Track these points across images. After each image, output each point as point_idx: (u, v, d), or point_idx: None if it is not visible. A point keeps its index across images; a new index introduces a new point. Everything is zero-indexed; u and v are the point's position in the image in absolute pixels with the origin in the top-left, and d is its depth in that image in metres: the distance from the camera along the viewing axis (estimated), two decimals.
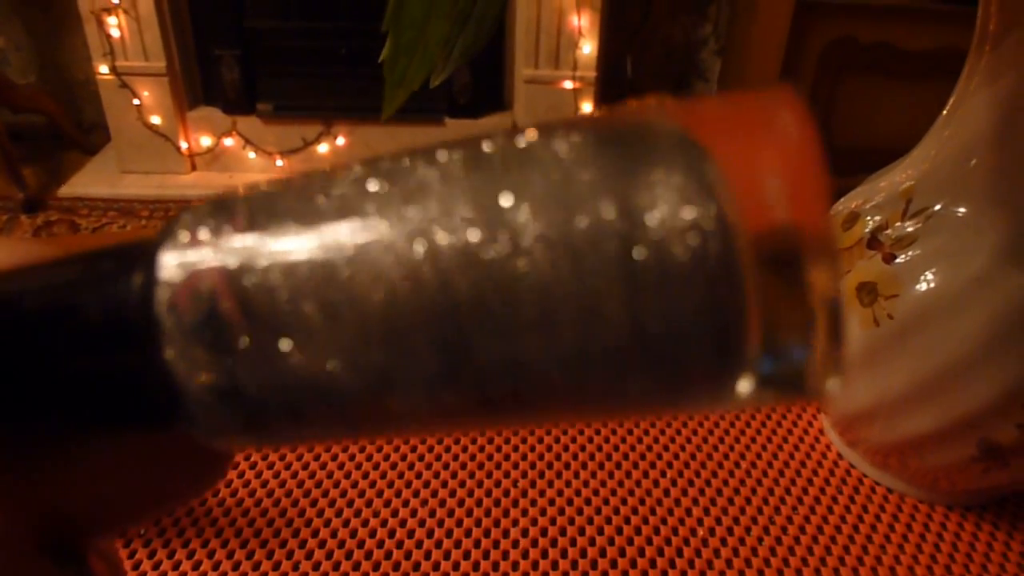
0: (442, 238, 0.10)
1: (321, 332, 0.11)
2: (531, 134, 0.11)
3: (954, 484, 0.44)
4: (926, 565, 0.42)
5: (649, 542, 0.43)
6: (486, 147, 0.11)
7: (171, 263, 0.11)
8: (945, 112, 0.40)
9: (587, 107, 2.12)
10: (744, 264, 0.10)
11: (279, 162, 2.27)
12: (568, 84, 2.08)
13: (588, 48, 2.04)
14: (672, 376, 0.10)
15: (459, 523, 0.43)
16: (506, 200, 0.10)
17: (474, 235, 0.10)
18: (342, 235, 0.11)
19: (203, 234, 0.11)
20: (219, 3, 2.13)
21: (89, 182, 2.19)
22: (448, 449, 0.48)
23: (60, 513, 0.13)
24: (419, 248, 0.10)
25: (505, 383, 0.11)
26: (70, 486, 0.13)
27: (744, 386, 0.10)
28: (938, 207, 0.39)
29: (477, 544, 0.42)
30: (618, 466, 0.47)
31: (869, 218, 0.42)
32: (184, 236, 0.11)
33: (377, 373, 0.11)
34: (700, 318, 0.10)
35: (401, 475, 0.46)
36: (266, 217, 0.11)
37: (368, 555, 0.41)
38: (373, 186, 0.11)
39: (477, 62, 2.14)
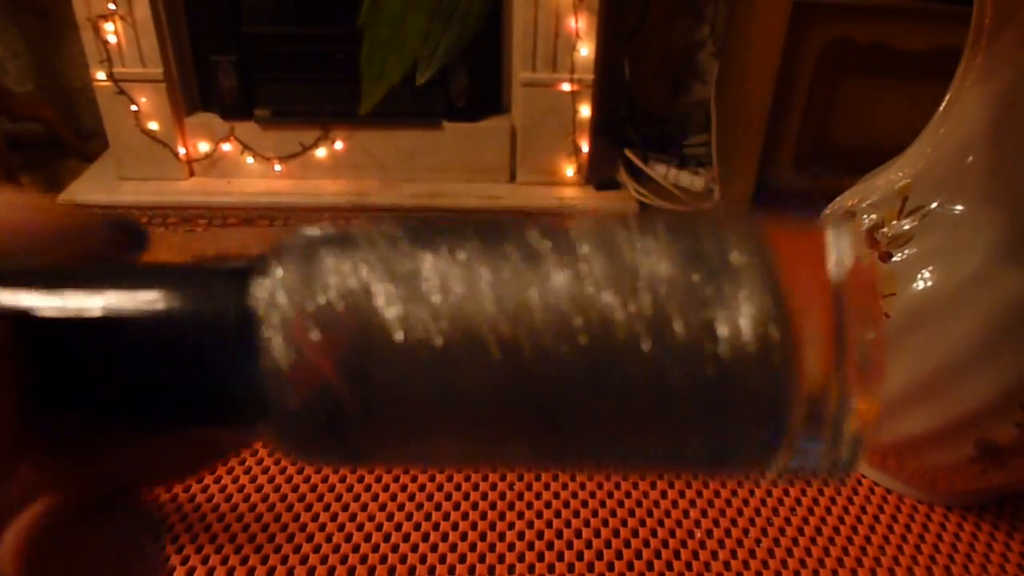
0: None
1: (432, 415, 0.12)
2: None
3: (953, 484, 0.44)
4: (925, 566, 0.42)
5: (647, 544, 0.42)
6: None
7: (277, 335, 0.12)
8: (940, 110, 0.39)
9: (585, 110, 2.12)
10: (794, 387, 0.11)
11: (277, 167, 2.27)
12: (566, 87, 2.08)
13: (586, 51, 2.04)
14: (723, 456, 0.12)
15: (436, 527, 0.43)
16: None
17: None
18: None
19: (317, 297, 0.12)
20: (216, 9, 2.13)
21: (87, 189, 2.19)
22: None
23: (112, 478, 0.14)
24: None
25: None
26: (130, 459, 0.14)
27: (775, 468, 0.12)
28: (934, 205, 0.39)
29: (453, 548, 0.42)
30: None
31: (865, 216, 0.41)
32: (293, 273, 0.12)
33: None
34: (761, 423, 0.11)
35: (396, 478, 0.45)
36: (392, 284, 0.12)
37: (363, 559, 0.41)
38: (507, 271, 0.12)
39: (474, 65, 2.14)
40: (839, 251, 0.12)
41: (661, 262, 0.12)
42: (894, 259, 0.39)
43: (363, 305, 0.11)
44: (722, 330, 0.11)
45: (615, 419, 0.12)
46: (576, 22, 1.98)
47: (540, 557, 0.41)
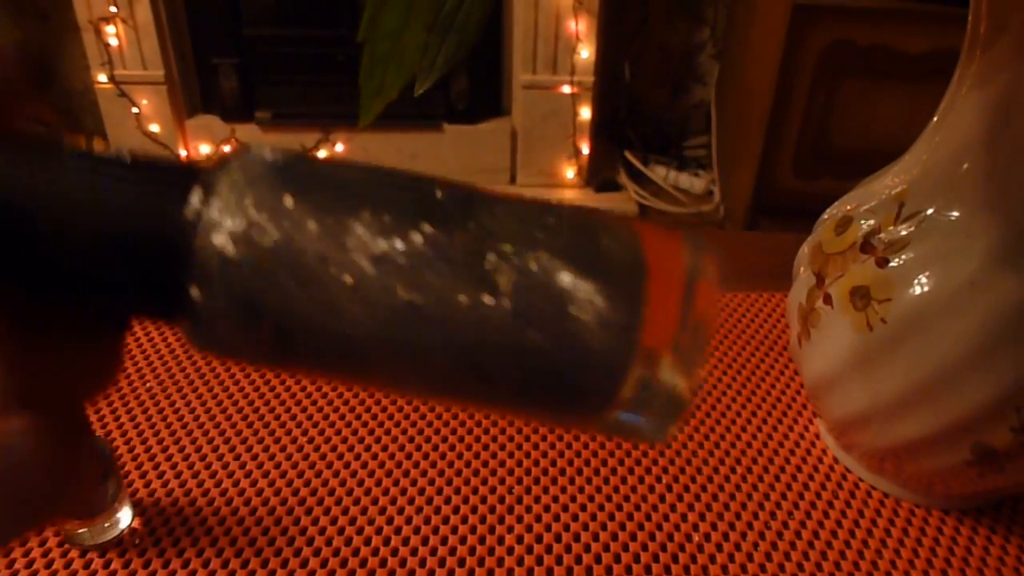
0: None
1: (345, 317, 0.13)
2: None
3: (949, 488, 0.44)
4: (922, 570, 0.42)
5: (644, 548, 0.42)
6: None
7: (221, 227, 0.13)
8: (936, 117, 0.40)
9: (585, 112, 2.12)
10: (635, 358, 0.13)
11: None
12: (566, 89, 2.09)
13: (586, 53, 2.04)
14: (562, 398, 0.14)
15: (435, 530, 0.43)
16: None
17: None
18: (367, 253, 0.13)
19: (258, 201, 0.13)
20: (217, 11, 2.14)
21: None
22: (427, 456, 0.47)
23: (52, 377, 0.15)
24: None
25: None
26: (67, 356, 0.15)
27: (609, 419, 0.14)
28: (930, 211, 0.39)
29: (453, 551, 0.42)
30: (613, 471, 0.47)
31: (863, 222, 0.42)
32: (234, 197, 0.13)
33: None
34: (603, 376, 0.13)
35: (396, 482, 0.46)
36: (313, 205, 0.13)
37: (344, 563, 0.41)
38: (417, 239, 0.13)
39: (474, 68, 2.15)
40: (696, 259, 0.14)
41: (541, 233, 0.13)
42: (891, 264, 0.39)
43: (289, 234, 0.13)
44: (581, 298, 0.13)
45: (466, 365, 0.13)
46: (576, 24, 1.99)
47: (539, 561, 0.42)
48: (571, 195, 2.20)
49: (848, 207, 0.44)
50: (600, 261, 0.13)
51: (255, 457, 0.47)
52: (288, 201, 0.13)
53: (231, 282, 0.13)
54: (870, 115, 1.84)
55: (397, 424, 0.50)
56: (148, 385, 0.52)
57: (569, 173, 2.21)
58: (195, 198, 0.13)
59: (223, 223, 0.13)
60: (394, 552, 0.42)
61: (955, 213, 0.38)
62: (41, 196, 0.13)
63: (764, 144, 1.94)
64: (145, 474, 0.46)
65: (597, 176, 2.23)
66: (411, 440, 0.49)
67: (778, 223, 1.99)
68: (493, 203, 0.14)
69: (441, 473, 0.46)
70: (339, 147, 2.23)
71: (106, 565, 0.41)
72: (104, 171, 0.14)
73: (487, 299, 0.13)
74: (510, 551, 0.42)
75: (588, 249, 0.13)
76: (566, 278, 0.13)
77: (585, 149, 2.17)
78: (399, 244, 0.13)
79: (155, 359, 0.55)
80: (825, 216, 0.46)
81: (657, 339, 0.13)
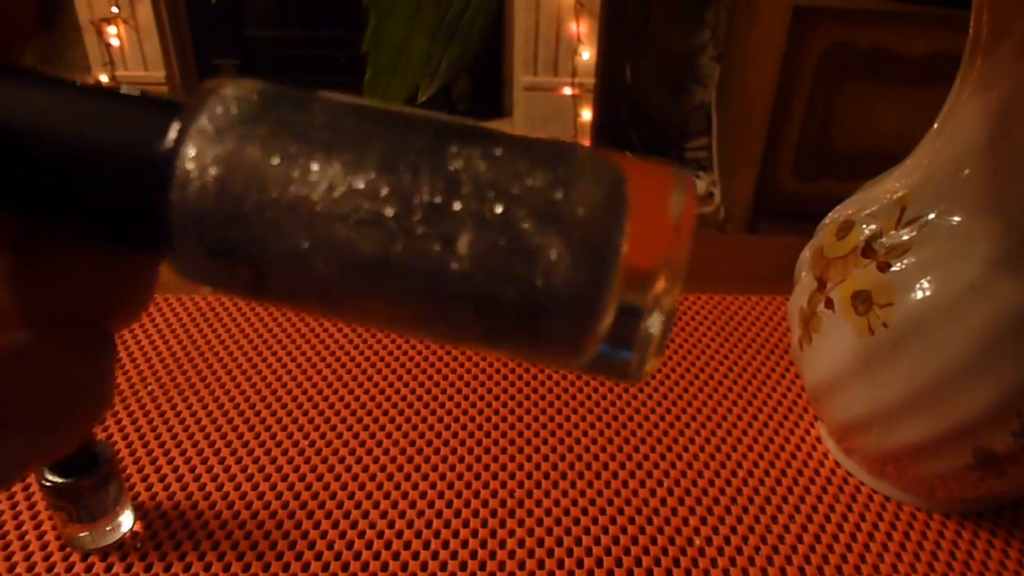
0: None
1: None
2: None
3: (951, 492, 0.44)
4: (924, 573, 0.42)
5: (646, 551, 0.43)
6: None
7: (193, 162, 0.13)
8: (938, 122, 0.40)
9: (587, 114, 2.12)
10: (616, 273, 0.13)
11: None
12: (567, 91, 2.09)
13: (587, 55, 2.04)
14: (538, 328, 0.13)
15: (436, 534, 0.43)
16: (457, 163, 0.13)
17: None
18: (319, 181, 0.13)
19: (232, 139, 0.14)
20: (218, 13, 2.14)
21: None
22: (428, 459, 0.48)
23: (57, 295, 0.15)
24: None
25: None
26: (80, 278, 0.15)
27: (587, 354, 0.14)
28: (932, 215, 0.39)
29: (454, 555, 0.42)
30: (615, 475, 0.47)
31: (864, 226, 0.42)
32: (210, 132, 0.14)
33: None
34: (579, 292, 0.13)
35: (398, 485, 0.46)
36: (282, 141, 0.13)
37: (345, 566, 0.41)
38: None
39: (476, 69, 2.15)
40: (681, 194, 0.14)
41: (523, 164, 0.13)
42: (892, 269, 0.39)
43: (258, 175, 0.13)
44: (545, 244, 0.13)
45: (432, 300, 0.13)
46: (577, 26, 1.99)
47: (540, 565, 0.42)
48: None
49: (850, 211, 0.44)
50: (569, 198, 0.13)
51: (256, 460, 0.47)
52: (259, 142, 0.13)
53: (202, 217, 0.13)
54: (871, 117, 1.84)
55: (399, 427, 0.50)
56: (149, 388, 0.52)
57: None
58: (173, 131, 0.14)
59: (195, 158, 0.13)
60: (395, 556, 0.42)
61: (956, 218, 0.38)
62: (32, 119, 0.14)
63: (765, 146, 1.94)
64: (147, 477, 0.46)
65: None
66: (412, 443, 0.49)
67: (778, 225, 1.99)
68: (471, 145, 0.13)
69: (442, 476, 0.46)
70: None
71: (108, 569, 0.41)
72: (91, 99, 0.14)
73: (446, 251, 0.13)
74: (511, 555, 0.42)
75: (557, 188, 0.13)
76: (530, 225, 0.13)
77: None
78: (365, 190, 0.13)
79: (156, 361, 0.55)
80: (827, 220, 0.46)
81: (638, 266, 0.13)
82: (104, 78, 2.10)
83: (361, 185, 0.13)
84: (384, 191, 0.13)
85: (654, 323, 0.13)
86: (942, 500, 0.45)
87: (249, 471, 0.46)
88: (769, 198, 2.00)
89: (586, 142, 2.18)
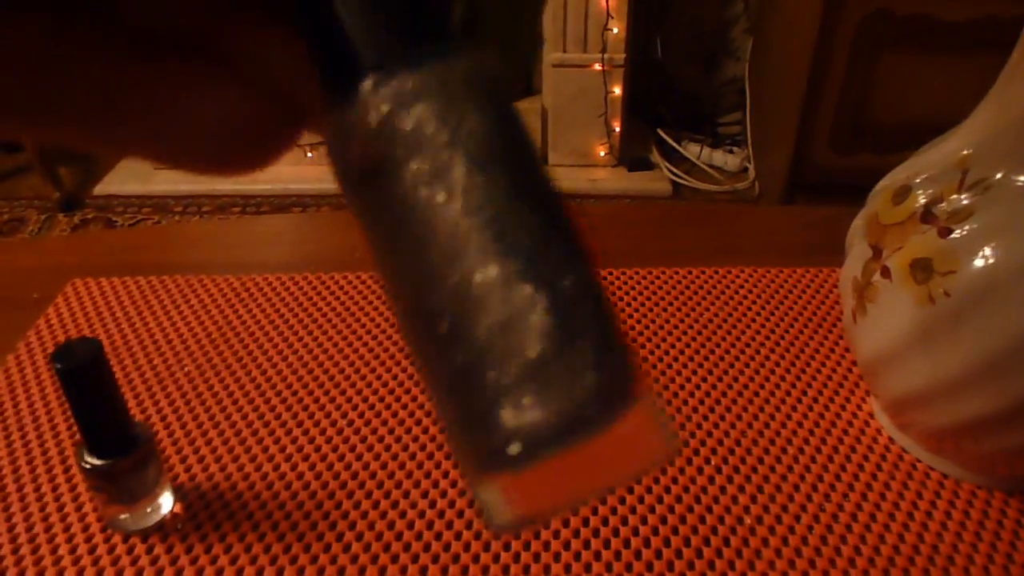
0: None
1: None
2: None
3: (1014, 469, 0.42)
4: (986, 553, 0.40)
5: (695, 531, 0.41)
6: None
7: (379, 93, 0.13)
8: (1005, 72, 0.37)
9: (617, 90, 2.09)
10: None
11: (309, 154, 2.27)
12: (597, 67, 2.06)
13: (616, 29, 2.00)
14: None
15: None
16: None
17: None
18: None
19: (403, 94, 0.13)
20: None
21: (122, 180, 2.21)
22: None
23: None
24: None
25: None
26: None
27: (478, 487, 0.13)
28: (999, 176, 0.37)
29: (507, 546, 0.41)
30: None
31: (922, 191, 0.40)
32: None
33: None
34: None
35: (420, 465, 0.45)
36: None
37: (387, 547, 0.40)
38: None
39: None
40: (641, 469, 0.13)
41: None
42: (954, 235, 0.37)
43: (409, 150, 0.12)
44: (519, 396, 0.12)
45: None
46: (607, 1, 1.95)
47: (586, 545, 0.40)
48: (603, 175, 2.18)
49: (906, 176, 0.41)
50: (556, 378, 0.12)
51: (295, 440, 0.47)
52: (443, 134, 0.13)
53: (368, 139, 0.13)
54: (911, 88, 1.79)
55: None
56: (187, 370, 0.52)
57: (601, 152, 2.18)
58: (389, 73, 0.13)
59: (386, 102, 0.13)
60: (438, 536, 0.41)
61: None
62: None
63: (800, 119, 1.90)
64: (185, 459, 0.45)
65: (629, 154, 2.21)
66: None
67: (815, 200, 1.94)
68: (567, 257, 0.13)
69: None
70: None
71: (149, 550, 0.40)
72: None
73: (460, 335, 0.12)
74: (555, 534, 0.41)
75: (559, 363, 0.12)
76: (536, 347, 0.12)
77: (617, 127, 2.14)
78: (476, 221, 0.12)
79: (193, 344, 0.54)
80: (880, 186, 0.44)
81: (524, 503, 0.12)
82: None
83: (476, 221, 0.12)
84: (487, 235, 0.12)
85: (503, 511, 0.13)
86: (1004, 477, 0.44)
87: (287, 450, 0.46)
88: (805, 173, 1.96)
89: (617, 118, 2.15)
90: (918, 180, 0.41)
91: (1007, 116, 0.37)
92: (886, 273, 0.40)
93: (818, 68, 1.84)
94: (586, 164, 2.20)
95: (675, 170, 2.21)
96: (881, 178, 0.44)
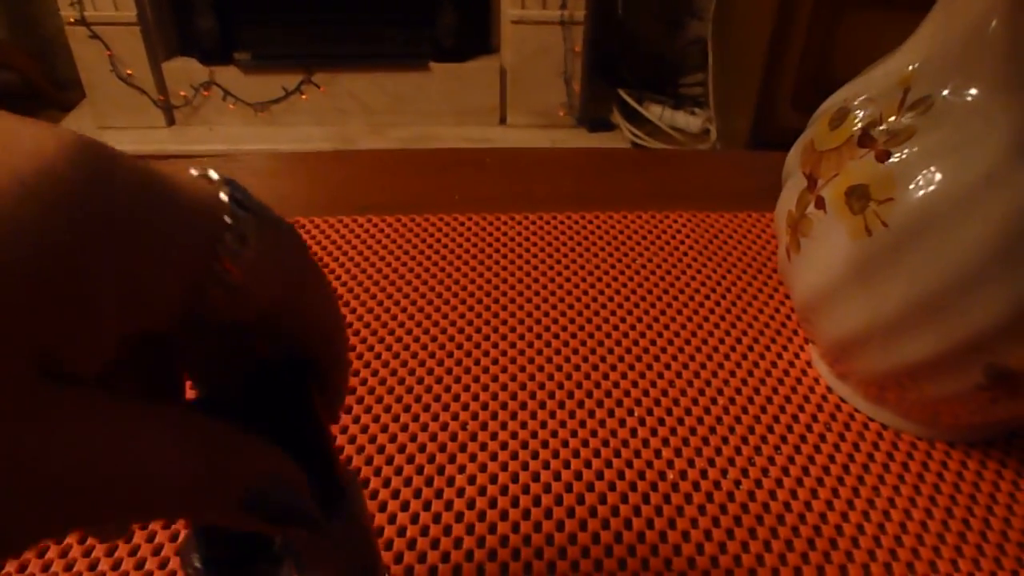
0: None
1: None
2: None
3: (957, 417, 0.39)
4: (924, 507, 0.37)
5: (612, 487, 0.38)
6: None
7: None
8: None
9: (577, 49, 2.04)
10: None
11: (259, 113, 2.19)
12: (557, 24, 2.00)
13: None
14: None
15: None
16: None
17: None
18: None
19: None
20: None
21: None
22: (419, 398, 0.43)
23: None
24: None
25: None
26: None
27: None
28: (944, 93, 0.33)
29: (451, 482, 0.37)
30: (583, 401, 0.42)
31: (860, 112, 0.36)
32: None
33: None
34: None
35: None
36: None
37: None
38: None
39: (462, 3, 2.06)
40: None
41: None
42: (893, 158, 0.34)
43: None
44: None
45: None
46: None
47: (515, 503, 0.37)
48: (563, 135, 2.13)
49: (844, 97, 0.38)
50: None
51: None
52: None
53: None
54: (874, 45, 1.75)
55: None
56: None
57: (560, 112, 2.13)
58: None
59: None
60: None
61: (973, 92, 0.32)
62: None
63: (763, 79, 1.87)
64: None
65: (589, 115, 2.16)
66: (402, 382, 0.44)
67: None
68: None
69: (427, 408, 0.42)
70: (322, 89, 2.15)
71: None
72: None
73: None
74: (503, 491, 0.37)
75: None
76: None
77: (577, 87, 2.09)
78: None
79: None
80: (819, 111, 0.40)
81: None
82: (73, 18, 2.01)
83: None
84: None
85: None
86: (947, 427, 0.41)
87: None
88: (767, 133, 1.93)
89: (577, 78, 2.09)
90: (857, 101, 0.37)
91: (955, 27, 0.33)
92: (820, 204, 0.37)
93: (780, 27, 1.80)
94: (546, 125, 2.16)
95: (636, 131, 2.17)
96: (831, 96, 0.41)
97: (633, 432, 0.41)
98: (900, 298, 0.35)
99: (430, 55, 2.11)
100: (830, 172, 0.36)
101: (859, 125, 0.36)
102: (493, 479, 0.38)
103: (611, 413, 0.42)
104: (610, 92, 2.26)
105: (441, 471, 0.38)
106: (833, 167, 0.36)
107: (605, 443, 0.40)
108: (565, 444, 0.40)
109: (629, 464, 0.39)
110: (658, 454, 0.40)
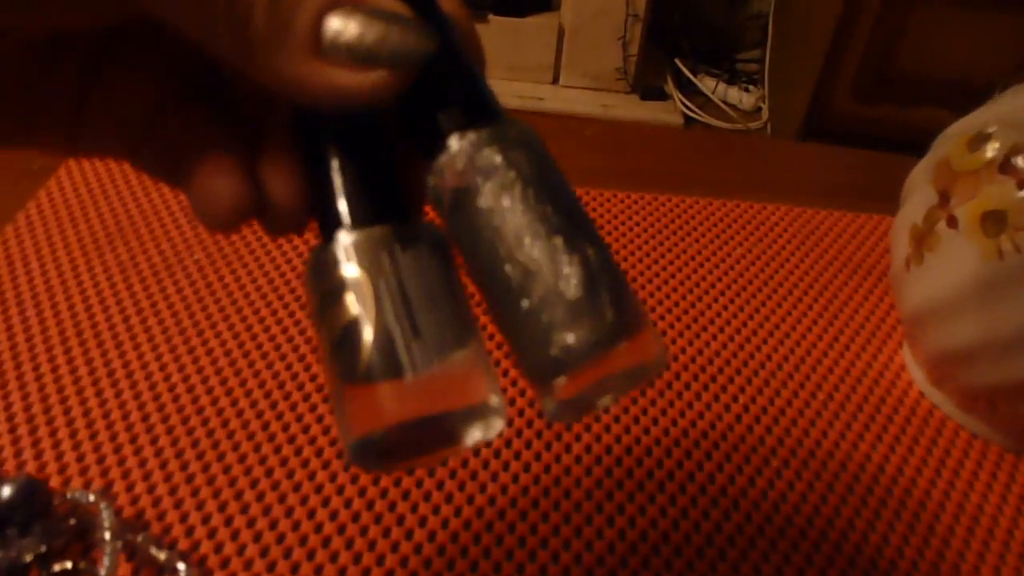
0: None
1: None
2: None
3: None
4: (1011, 516, 0.40)
5: (703, 491, 0.40)
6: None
7: (458, 165, 0.18)
8: None
9: (638, 14, 2.02)
10: None
11: None
12: None
13: None
14: None
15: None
16: None
17: None
18: None
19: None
20: None
21: None
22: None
23: None
24: None
25: None
26: None
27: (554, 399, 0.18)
28: None
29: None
30: (679, 395, 0.44)
31: (1001, 140, 0.37)
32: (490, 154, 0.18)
33: None
34: None
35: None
36: None
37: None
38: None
39: None
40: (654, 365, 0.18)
41: None
42: None
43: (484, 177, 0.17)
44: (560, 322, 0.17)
45: None
46: None
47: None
48: (615, 100, 2.12)
49: (984, 121, 0.39)
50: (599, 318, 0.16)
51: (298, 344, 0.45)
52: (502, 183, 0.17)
53: (456, 172, 0.17)
54: (942, 40, 1.74)
55: None
56: (196, 257, 0.50)
57: (615, 77, 2.12)
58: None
59: (464, 162, 0.17)
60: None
61: None
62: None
63: (823, 62, 1.84)
64: (193, 349, 0.44)
65: (643, 82, 2.15)
66: None
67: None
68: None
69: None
70: None
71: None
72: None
73: (524, 287, 0.17)
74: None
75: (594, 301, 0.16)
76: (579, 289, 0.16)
77: (634, 53, 2.08)
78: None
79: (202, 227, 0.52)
80: (950, 132, 0.41)
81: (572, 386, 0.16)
82: None
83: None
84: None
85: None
86: None
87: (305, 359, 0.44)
88: (821, 118, 1.92)
89: (635, 44, 2.08)
90: (996, 128, 0.38)
91: None
92: (952, 222, 0.38)
93: (848, 11, 1.78)
94: (599, 88, 2.14)
95: (688, 103, 2.16)
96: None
97: (730, 427, 0.43)
98: (1017, 322, 0.36)
99: (490, 6, 2.09)
100: (967, 193, 0.38)
101: (1001, 152, 0.37)
102: (607, 472, 0.40)
103: (709, 407, 0.44)
104: (665, 61, 2.24)
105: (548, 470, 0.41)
106: (970, 189, 0.37)
107: (697, 444, 0.42)
108: (658, 443, 0.42)
109: (720, 468, 0.41)
110: (753, 449, 0.42)
